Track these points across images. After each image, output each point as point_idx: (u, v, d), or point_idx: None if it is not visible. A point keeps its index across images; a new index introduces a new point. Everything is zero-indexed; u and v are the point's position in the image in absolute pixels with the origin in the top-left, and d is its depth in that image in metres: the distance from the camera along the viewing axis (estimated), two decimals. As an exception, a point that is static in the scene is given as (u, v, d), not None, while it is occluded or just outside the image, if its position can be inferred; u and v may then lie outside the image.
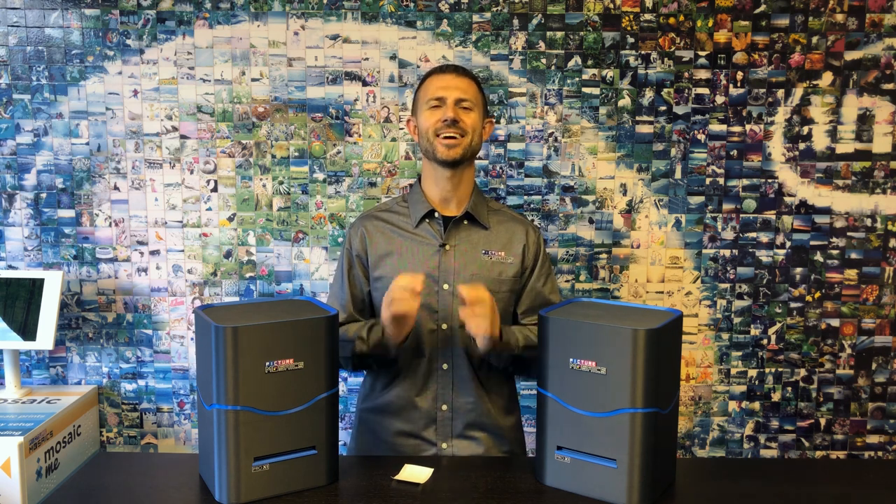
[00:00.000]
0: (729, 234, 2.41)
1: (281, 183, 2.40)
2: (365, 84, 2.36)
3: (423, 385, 1.69)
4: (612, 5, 2.32)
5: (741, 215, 2.41)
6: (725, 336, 2.45)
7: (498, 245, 1.72)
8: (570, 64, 2.35)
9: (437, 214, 1.71)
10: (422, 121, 1.68)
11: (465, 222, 1.72)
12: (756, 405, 2.48)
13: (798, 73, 2.35)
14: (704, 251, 2.42)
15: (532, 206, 2.40)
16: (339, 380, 1.66)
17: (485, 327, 1.52)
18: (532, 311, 1.74)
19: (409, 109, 2.35)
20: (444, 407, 1.69)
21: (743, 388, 2.47)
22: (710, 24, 2.33)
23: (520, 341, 1.64)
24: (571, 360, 1.37)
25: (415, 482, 1.43)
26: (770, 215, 2.41)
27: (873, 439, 2.49)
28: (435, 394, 1.69)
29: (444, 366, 1.69)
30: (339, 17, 2.33)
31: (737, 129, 2.37)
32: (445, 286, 1.68)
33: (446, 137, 1.63)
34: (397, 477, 1.45)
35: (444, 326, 1.68)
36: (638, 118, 2.37)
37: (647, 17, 2.33)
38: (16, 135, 2.36)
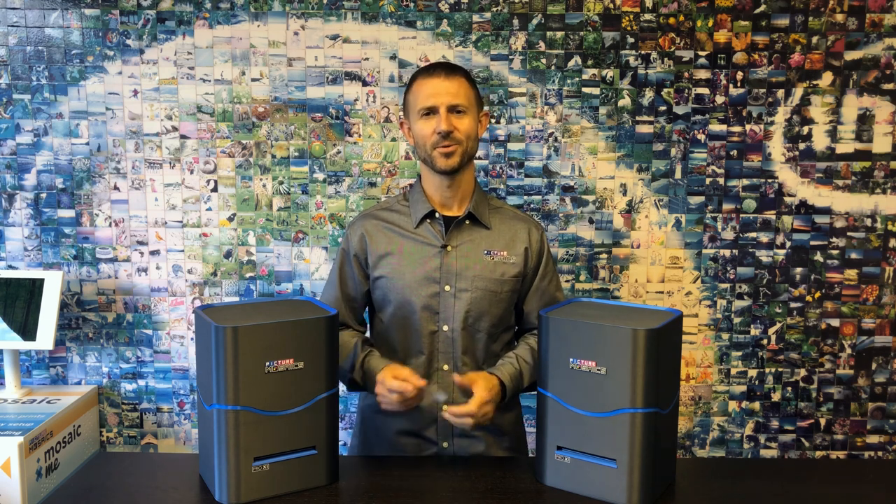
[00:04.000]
0: (729, 234, 2.41)
1: (281, 183, 2.39)
2: (365, 84, 2.36)
3: None
4: (612, 5, 2.32)
5: (741, 215, 2.40)
6: (725, 336, 2.45)
7: (500, 245, 1.71)
8: (570, 64, 2.35)
9: (438, 215, 1.70)
10: (416, 130, 1.66)
11: (467, 222, 1.71)
12: (756, 405, 2.47)
13: (798, 73, 2.35)
14: (704, 251, 2.42)
15: (532, 206, 2.40)
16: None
17: (491, 417, 1.58)
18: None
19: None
20: (445, 407, 1.69)
21: (743, 388, 2.47)
22: (710, 24, 2.33)
23: (525, 380, 1.68)
24: (571, 360, 1.37)
25: None
26: (770, 215, 2.41)
27: (873, 439, 2.49)
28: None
29: (445, 367, 1.68)
30: (339, 17, 2.33)
31: (737, 129, 2.37)
32: (447, 288, 1.67)
33: (443, 148, 1.63)
34: None
35: (445, 328, 1.68)
36: (638, 118, 2.37)
37: (647, 17, 2.33)
38: (16, 135, 2.36)
